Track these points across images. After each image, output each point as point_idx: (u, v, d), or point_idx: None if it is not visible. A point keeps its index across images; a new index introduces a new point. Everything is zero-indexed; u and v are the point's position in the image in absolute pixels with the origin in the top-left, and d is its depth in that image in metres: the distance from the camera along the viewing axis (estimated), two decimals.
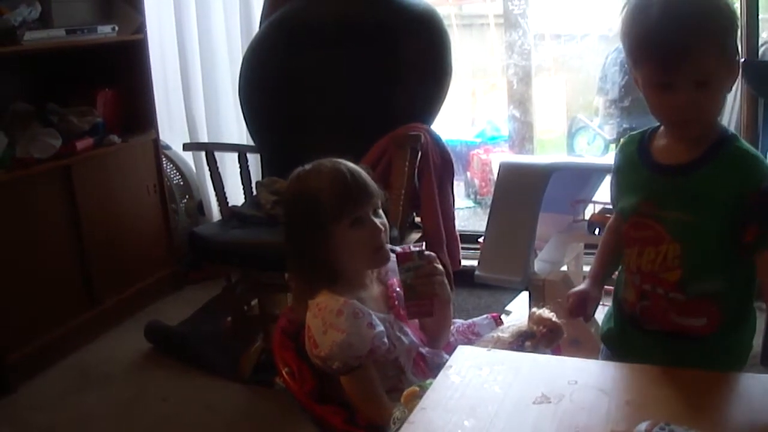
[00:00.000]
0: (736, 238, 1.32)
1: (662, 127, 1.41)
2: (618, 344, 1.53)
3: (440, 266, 1.63)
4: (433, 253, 1.63)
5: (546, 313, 1.65)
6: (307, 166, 1.61)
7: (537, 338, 1.61)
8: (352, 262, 1.58)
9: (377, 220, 1.57)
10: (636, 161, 1.43)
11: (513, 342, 1.63)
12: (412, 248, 1.62)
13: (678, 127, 1.36)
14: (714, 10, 1.29)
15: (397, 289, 1.65)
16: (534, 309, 1.68)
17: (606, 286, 1.57)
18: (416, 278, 1.57)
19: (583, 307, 1.51)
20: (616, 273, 1.56)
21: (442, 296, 1.63)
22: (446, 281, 1.65)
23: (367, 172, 1.62)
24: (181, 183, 3.91)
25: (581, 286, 1.55)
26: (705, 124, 1.34)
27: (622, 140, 1.56)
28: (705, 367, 1.32)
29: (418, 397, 1.36)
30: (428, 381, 1.42)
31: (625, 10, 1.34)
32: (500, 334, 1.67)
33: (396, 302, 1.63)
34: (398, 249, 1.63)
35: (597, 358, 1.55)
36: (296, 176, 1.61)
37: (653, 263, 1.38)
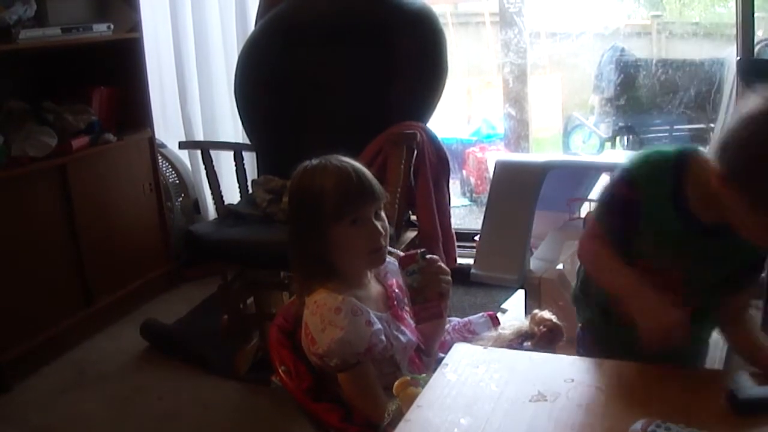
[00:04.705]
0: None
1: (695, 166, 1.29)
2: (599, 333, 1.56)
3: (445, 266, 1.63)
4: (435, 256, 1.63)
5: (547, 314, 1.66)
6: (314, 161, 1.58)
7: (537, 338, 1.62)
8: (349, 260, 1.58)
9: (378, 223, 1.56)
10: (669, 212, 1.32)
11: (513, 341, 1.64)
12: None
13: None
14: None
15: (396, 290, 1.65)
16: (536, 311, 1.69)
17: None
18: (422, 280, 1.57)
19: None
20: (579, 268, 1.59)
21: (449, 295, 1.63)
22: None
23: None
24: (177, 181, 3.91)
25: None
26: None
27: (642, 174, 1.35)
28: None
29: (410, 386, 1.36)
30: (423, 375, 1.43)
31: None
32: (501, 332, 1.67)
33: (395, 302, 1.63)
34: (400, 252, 1.62)
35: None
36: (302, 171, 1.59)
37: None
